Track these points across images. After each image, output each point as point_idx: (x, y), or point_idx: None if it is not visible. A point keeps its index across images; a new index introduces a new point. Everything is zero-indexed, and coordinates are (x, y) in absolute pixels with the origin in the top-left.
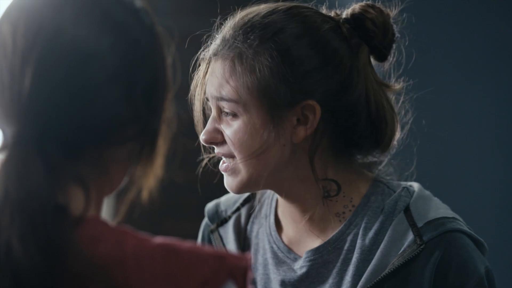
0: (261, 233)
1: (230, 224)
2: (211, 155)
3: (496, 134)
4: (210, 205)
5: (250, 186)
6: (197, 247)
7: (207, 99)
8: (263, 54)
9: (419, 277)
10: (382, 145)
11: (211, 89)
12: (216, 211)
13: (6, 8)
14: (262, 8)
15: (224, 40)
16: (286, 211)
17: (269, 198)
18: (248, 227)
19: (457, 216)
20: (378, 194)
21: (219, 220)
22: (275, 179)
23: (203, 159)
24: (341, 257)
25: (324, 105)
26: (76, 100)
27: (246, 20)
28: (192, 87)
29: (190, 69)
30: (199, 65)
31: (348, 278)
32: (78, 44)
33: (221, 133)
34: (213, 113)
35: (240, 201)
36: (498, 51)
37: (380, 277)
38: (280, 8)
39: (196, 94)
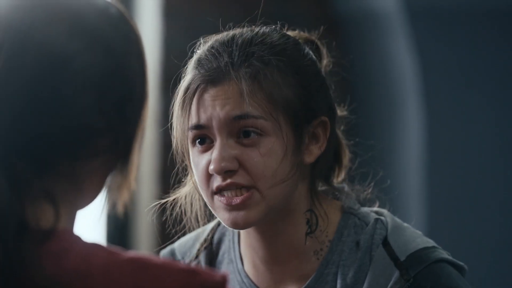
0: (231, 280)
1: None
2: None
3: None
4: (165, 253)
5: (260, 221)
6: (169, 262)
7: (199, 127)
8: (280, 70)
9: None
10: (339, 171)
11: (223, 112)
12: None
13: None
14: (249, 30)
15: (227, 62)
16: (259, 252)
17: (229, 240)
18: None
19: (434, 243)
20: (351, 228)
21: None
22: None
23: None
24: None
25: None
26: (43, 111)
27: (247, 40)
28: (176, 117)
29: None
30: (183, 95)
31: None
32: (45, 51)
33: (236, 160)
34: (223, 140)
35: (197, 246)
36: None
37: None
38: (268, 30)
39: (178, 124)
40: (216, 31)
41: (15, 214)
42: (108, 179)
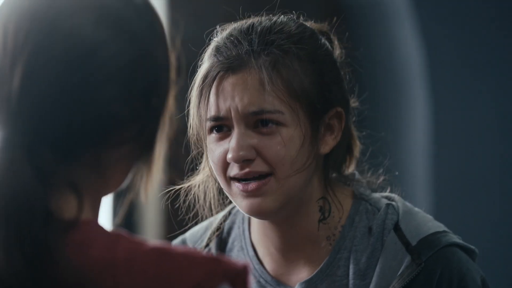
0: None
1: None
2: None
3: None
4: (176, 243)
5: (277, 211)
6: (192, 251)
7: (218, 118)
8: (298, 59)
9: None
10: (349, 162)
11: (241, 104)
12: None
13: None
14: (267, 19)
15: (248, 50)
16: (273, 241)
17: (239, 228)
18: None
19: (445, 228)
20: (362, 213)
21: None
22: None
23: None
24: (336, 284)
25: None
26: (70, 100)
27: (266, 28)
28: (193, 105)
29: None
30: (201, 82)
31: None
32: (72, 40)
33: (254, 149)
34: (241, 129)
35: (208, 234)
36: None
37: None
38: (286, 19)
39: (195, 113)
40: (222, 18)
41: (41, 204)
42: (133, 168)
